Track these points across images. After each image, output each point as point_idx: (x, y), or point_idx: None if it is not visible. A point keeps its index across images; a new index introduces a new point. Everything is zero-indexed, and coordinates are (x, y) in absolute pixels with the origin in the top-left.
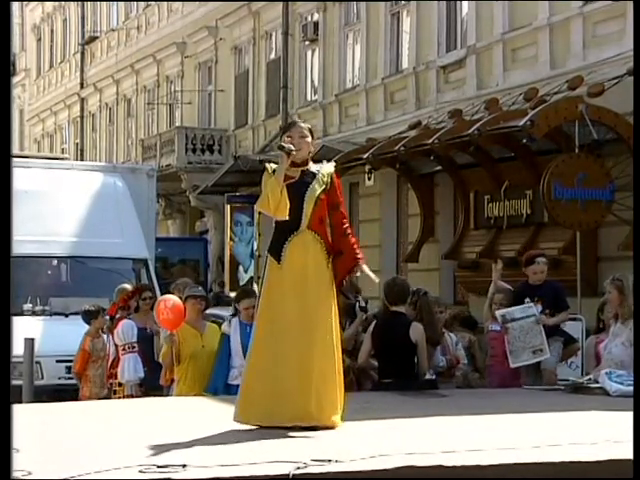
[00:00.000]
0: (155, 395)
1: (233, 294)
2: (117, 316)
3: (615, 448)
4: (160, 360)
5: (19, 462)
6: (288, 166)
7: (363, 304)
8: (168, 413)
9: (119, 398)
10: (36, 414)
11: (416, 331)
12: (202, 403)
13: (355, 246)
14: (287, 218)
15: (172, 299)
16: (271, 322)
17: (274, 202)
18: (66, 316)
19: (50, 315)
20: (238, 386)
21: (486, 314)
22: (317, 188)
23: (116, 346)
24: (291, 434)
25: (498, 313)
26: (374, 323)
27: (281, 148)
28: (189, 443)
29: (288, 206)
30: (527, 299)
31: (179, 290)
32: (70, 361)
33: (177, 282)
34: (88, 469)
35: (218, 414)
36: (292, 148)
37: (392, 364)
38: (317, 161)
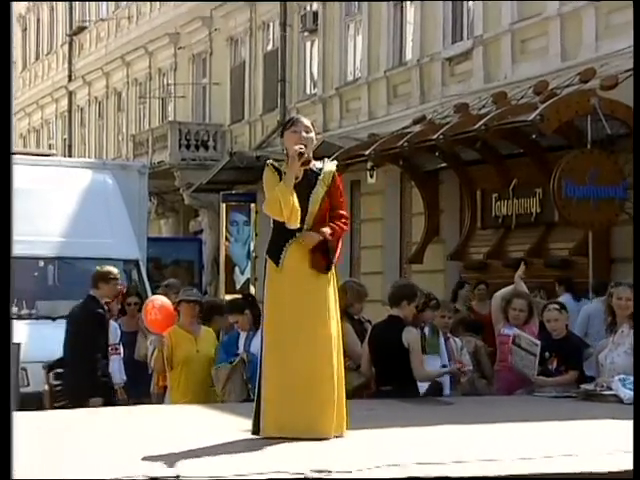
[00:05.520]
0: (143, 402)
1: (229, 297)
2: None
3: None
4: (151, 365)
5: (19, 464)
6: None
7: (365, 317)
8: (161, 422)
9: None
10: (30, 422)
11: (409, 335)
12: (196, 411)
13: (331, 235)
14: (298, 226)
15: (160, 299)
16: (276, 330)
17: (287, 210)
18: (53, 320)
19: (36, 319)
20: None
21: (497, 315)
22: (321, 190)
23: None
24: (289, 442)
25: (515, 332)
26: (370, 329)
27: (299, 155)
28: (182, 453)
29: (300, 214)
30: (547, 353)
31: (173, 292)
32: None
33: (164, 283)
34: None
35: (212, 423)
36: (303, 150)
37: (389, 370)
38: (317, 158)
